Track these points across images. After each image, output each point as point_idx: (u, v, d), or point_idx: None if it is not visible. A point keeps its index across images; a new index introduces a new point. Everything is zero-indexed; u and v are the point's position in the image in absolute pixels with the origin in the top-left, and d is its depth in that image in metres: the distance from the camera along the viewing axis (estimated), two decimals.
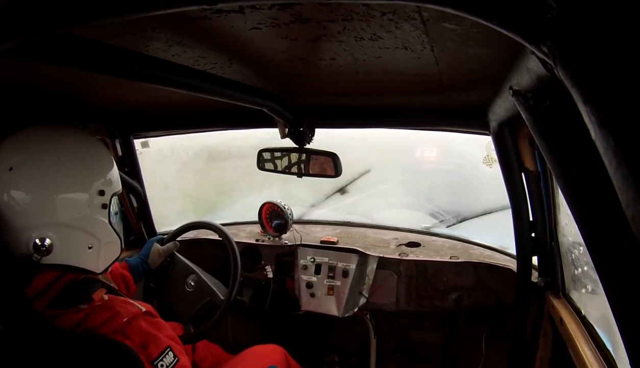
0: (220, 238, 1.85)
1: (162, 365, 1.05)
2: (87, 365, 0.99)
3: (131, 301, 1.12)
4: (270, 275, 2.17)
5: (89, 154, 1.15)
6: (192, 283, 1.83)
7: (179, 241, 1.86)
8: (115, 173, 1.20)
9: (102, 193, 1.13)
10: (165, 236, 1.88)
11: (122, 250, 1.25)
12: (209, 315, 1.74)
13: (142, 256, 1.71)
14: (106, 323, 1.02)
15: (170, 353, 1.08)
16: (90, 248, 1.12)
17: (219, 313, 1.69)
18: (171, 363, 1.07)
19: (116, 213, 1.21)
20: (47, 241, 1.03)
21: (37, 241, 1.03)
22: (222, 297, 1.74)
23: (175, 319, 1.76)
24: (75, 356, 0.98)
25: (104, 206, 1.15)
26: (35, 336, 0.94)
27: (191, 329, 1.74)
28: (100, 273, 1.18)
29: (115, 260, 1.24)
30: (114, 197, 1.20)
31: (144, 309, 1.10)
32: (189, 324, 1.75)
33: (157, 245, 1.76)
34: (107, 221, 1.16)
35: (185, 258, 1.89)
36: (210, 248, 2.34)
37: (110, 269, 1.24)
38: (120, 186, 1.22)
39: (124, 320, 1.03)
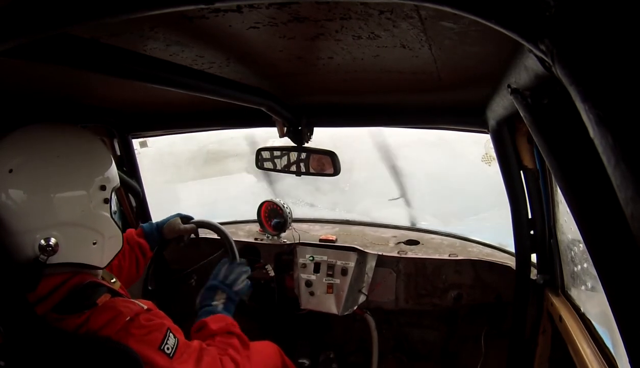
0: (219, 237, 1.85)
1: (167, 348, 1.05)
2: (88, 367, 0.99)
3: (133, 300, 1.12)
4: (272, 274, 2.17)
5: (87, 150, 1.15)
6: (197, 277, 1.83)
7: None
8: (113, 167, 1.20)
9: (103, 188, 1.14)
10: (193, 218, 1.77)
11: (123, 243, 1.25)
12: None
13: (158, 223, 1.68)
14: (109, 324, 1.01)
15: (171, 334, 1.08)
16: (94, 243, 1.13)
17: None
18: (174, 344, 1.07)
19: (115, 212, 1.20)
20: (53, 241, 1.03)
21: (43, 241, 1.02)
22: None
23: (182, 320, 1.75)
24: (77, 358, 0.97)
25: (106, 200, 1.15)
26: (35, 338, 0.94)
27: None
28: (104, 268, 1.19)
29: (118, 254, 1.24)
30: (114, 191, 1.20)
31: (145, 307, 1.10)
32: None
33: (178, 220, 1.70)
34: (109, 215, 1.16)
35: (184, 257, 1.89)
36: (210, 247, 2.34)
37: (126, 238, 1.25)
38: (118, 180, 1.23)
39: (127, 319, 1.03)
